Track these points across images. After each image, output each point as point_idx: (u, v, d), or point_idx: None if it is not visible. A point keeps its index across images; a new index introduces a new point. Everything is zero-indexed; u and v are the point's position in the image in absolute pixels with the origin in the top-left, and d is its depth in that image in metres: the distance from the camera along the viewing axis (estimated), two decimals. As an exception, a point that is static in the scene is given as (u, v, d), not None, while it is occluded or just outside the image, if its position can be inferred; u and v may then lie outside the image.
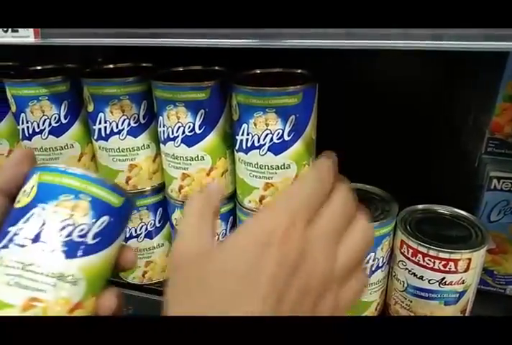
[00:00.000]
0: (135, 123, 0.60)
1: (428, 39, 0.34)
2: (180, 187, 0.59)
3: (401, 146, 0.73)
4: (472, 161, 0.65)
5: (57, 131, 0.62)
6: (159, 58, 0.59)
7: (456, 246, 0.53)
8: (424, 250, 0.53)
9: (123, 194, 0.38)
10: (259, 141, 0.50)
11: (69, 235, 0.35)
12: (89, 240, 0.35)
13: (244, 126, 0.50)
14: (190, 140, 0.55)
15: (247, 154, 0.52)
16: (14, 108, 0.62)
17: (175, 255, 0.36)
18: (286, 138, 0.49)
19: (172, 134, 0.55)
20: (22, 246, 0.34)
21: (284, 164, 0.50)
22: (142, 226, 0.66)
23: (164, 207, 0.66)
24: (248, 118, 0.49)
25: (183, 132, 0.55)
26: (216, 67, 0.61)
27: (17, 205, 0.36)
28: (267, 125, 0.49)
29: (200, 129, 0.54)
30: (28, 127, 0.62)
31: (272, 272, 0.30)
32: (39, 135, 0.62)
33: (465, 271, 0.53)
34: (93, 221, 0.36)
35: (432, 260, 0.53)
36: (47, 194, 0.36)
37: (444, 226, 0.57)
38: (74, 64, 0.69)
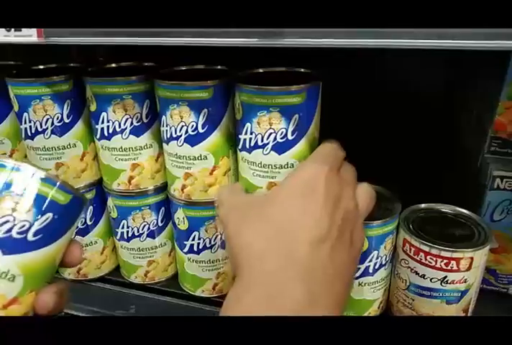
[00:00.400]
0: (138, 122, 0.60)
1: (432, 37, 0.34)
2: (183, 187, 0.59)
3: (404, 146, 0.73)
4: (474, 160, 0.65)
5: (60, 130, 0.62)
6: (161, 57, 0.59)
7: (458, 245, 0.53)
8: (426, 249, 0.53)
9: (71, 192, 0.38)
10: (262, 141, 0.50)
11: (8, 231, 0.35)
12: (30, 237, 0.35)
13: (248, 125, 0.50)
14: (193, 139, 0.55)
15: (250, 153, 0.52)
16: (16, 107, 0.62)
17: (231, 203, 0.46)
18: (290, 137, 0.49)
19: (175, 133, 0.55)
20: None
21: (287, 164, 0.50)
22: (145, 225, 0.66)
23: (166, 206, 0.66)
24: (251, 118, 0.49)
25: (186, 131, 0.55)
26: (219, 67, 0.61)
27: None
28: (270, 124, 0.49)
29: (203, 129, 0.54)
30: (30, 126, 0.62)
31: (322, 202, 0.40)
32: (42, 134, 0.62)
33: (467, 270, 0.53)
34: (36, 217, 0.36)
35: (434, 259, 0.53)
36: None
37: (446, 225, 0.57)
38: (77, 63, 0.69)
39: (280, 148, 0.50)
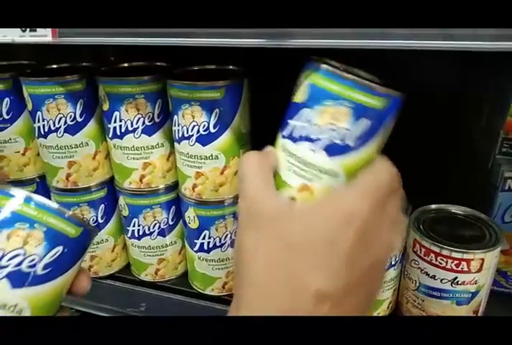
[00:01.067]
0: (150, 121, 0.60)
1: (438, 39, 0.34)
2: (194, 186, 0.60)
3: (415, 147, 0.72)
4: (486, 161, 0.65)
5: (73, 129, 0.63)
6: (173, 57, 0.60)
7: (469, 246, 0.53)
8: (437, 249, 0.53)
9: (81, 224, 0.37)
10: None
11: (18, 265, 0.35)
12: (39, 270, 0.35)
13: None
14: (205, 139, 0.56)
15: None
16: (30, 106, 0.62)
17: (254, 210, 0.36)
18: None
19: (187, 132, 0.56)
20: None
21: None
22: (155, 223, 0.67)
23: (177, 205, 0.66)
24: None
25: (198, 131, 0.55)
26: (231, 67, 0.61)
27: None
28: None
29: (214, 128, 0.55)
30: (44, 125, 0.62)
31: (348, 250, 0.33)
32: (55, 133, 0.63)
33: (478, 271, 0.53)
34: (46, 251, 0.35)
35: (445, 260, 0.53)
36: (2, 221, 0.35)
37: (457, 226, 0.57)
38: (90, 63, 0.69)
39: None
